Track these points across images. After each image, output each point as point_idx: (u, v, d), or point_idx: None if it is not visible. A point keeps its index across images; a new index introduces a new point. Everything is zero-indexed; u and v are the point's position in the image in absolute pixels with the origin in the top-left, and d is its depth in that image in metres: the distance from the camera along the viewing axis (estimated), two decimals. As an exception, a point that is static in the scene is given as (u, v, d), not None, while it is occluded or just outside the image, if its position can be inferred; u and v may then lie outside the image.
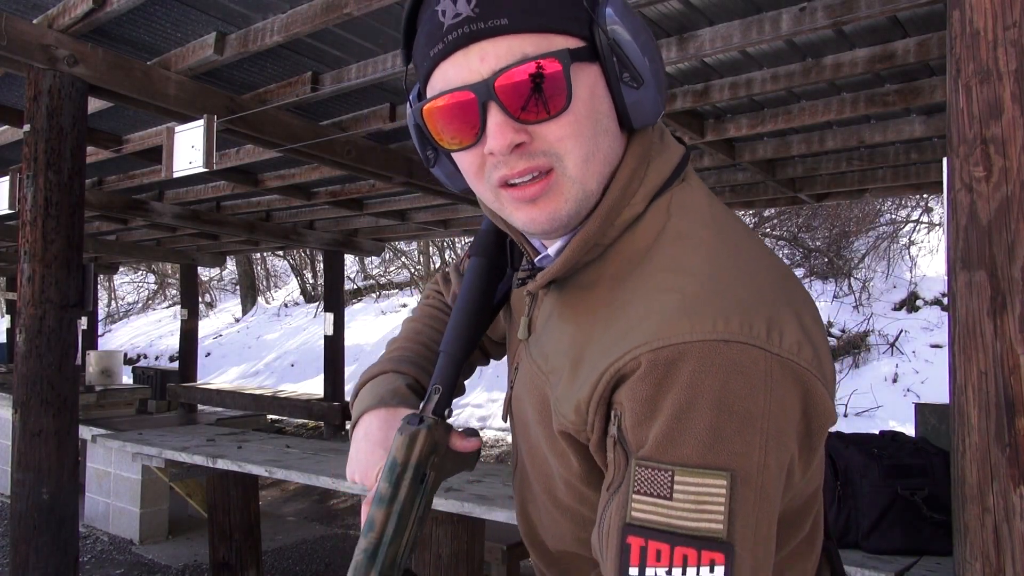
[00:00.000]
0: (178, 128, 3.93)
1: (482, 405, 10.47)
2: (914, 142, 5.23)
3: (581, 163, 0.69)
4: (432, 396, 0.81)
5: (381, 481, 0.75)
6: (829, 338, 10.01)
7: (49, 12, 3.43)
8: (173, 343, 16.04)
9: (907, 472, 2.08)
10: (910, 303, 10.31)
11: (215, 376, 14.86)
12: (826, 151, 5.36)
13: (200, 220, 8.07)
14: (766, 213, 12.46)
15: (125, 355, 14.40)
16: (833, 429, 1.03)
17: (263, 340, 16.38)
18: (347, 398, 10.04)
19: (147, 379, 11.20)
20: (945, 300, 9.33)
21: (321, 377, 10.56)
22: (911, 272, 10.76)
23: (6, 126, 5.07)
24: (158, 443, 3.83)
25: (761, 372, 0.60)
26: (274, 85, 4.26)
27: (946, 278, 1.50)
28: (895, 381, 8.90)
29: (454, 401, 0.84)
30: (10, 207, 4.66)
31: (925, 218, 11.40)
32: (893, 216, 11.67)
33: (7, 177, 4.72)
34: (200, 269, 14.16)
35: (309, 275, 18.78)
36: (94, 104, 4.10)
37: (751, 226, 12.29)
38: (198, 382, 11.71)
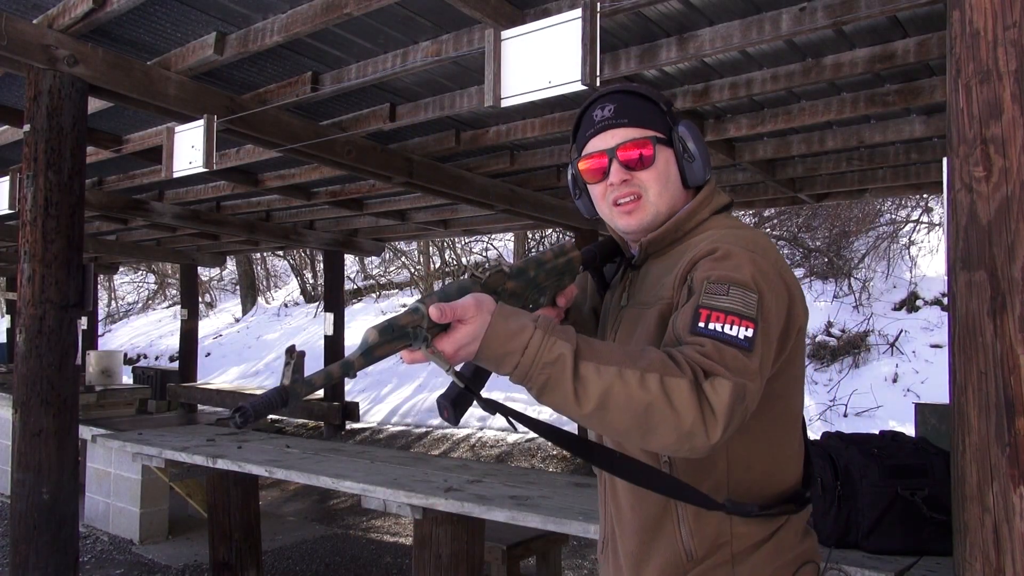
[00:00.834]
0: (178, 128, 3.93)
1: (482, 405, 10.47)
2: (914, 142, 5.23)
3: (656, 196, 1.29)
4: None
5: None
6: (829, 338, 10.09)
7: (49, 12, 3.43)
8: (173, 343, 16.04)
9: (907, 472, 2.07)
10: (910, 303, 10.31)
11: (215, 376, 14.85)
12: (826, 151, 5.36)
13: (200, 220, 8.08)
14: (766, 213, 12.46)
15: (125, 355, 14.40)
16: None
17: (263, 340, 16.38)
18: (347, 398, 10.07)
19: (147, 379, 11.20)
20: (945, 300, 9.32)
21: (321, 377, 10.55)
22: (911, 272, 10.76)
23: (6, 126, 5.07)
24: (158, 443, 3.83)
25: (769, 259, 1.17)
26: (274, 85, 4.26)
27: (946, 278, 1.50)
28: (895, 381, 8.90)
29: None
30: (10, 207, 4.66)
31: (925, 218, 11.40)
32: (893, 216, 11.67)
33: (7, 177, 4.72)
34: (200, 269, 14.17)
35: (309, 275, 18.78)
36: (94, 104, 4.10)
37: (751, 226, 12.28)
38: (198, 382, 11.71)
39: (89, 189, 6.80)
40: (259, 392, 10.72)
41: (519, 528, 3.22)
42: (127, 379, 11.61)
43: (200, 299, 15.60)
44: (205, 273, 19.30)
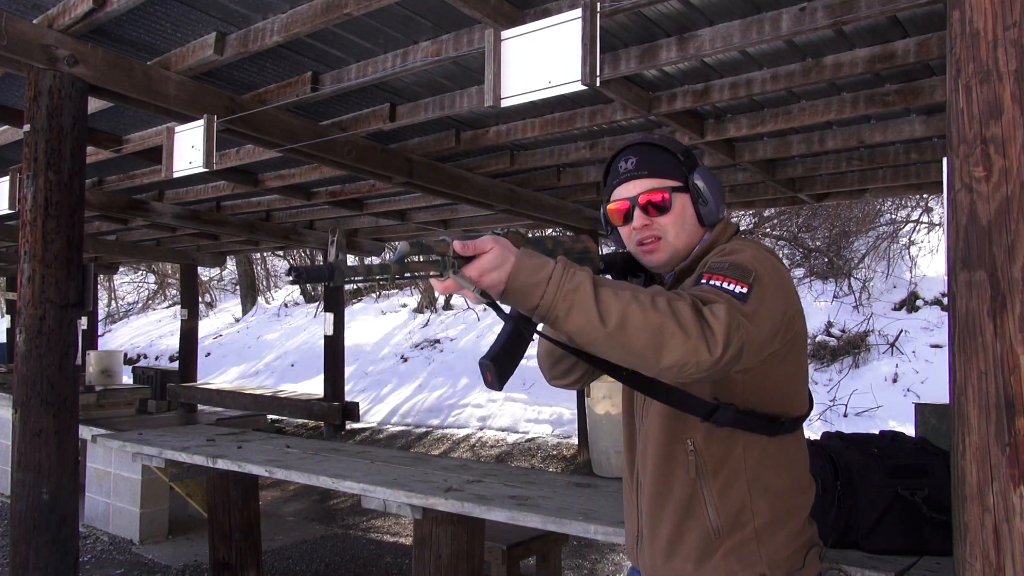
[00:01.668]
0: (178, 128, 3.93)
1: (482, 405, 10.47)
2: (914, 142, 5.23)
3: (674, 237, 1.48)
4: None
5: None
6: (829, 338, 10.11)
7: (49, 12, 3.43)
8: (173, 343, 16.03)
9: (907, 472, 2.07)
10: (910, 303, 10.31)
11: (215, 376, 14.85)
12: (826, 151, 5.36)
13: (200, 220, 8.08)
14: (766, 213, 12.46)
15: (125, 355, 14.40)
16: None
17: (263, 340, 16.38)
18: (347, 398, 10.08)
19: (147, 379, 11.20)
20: (945, 300, 9.32)
21: (321, 377, 10.56)
22: (911, 272, 10.76)
23: (6, 126, 5.07)
24: (158, 443, 3.82)
25: (768, 255, 1.37)
26: (274, 85, 4.26)
27: (946, 278, 1.51)
28: (895, 381, 8.90)
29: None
30: (10, 207, 4.66)
31: (925, 218, 11.40)
32: (893, 216, 11.66)
33: (7, 177, 4.72)
34: (200, 269, 14.16)
35: (309, 275, 18.74)
36: (94, 104, 4.10)
37: (751, 226, 12.32)
38: (198, 382, 11.71)
39: (89, 189, 6.80)
40: (259, 392, 10.68)
41: (519, 528, 3.22)
42: (127, 379, 11.61)
43: (200, 299, 15.59)
44: (205, 273, 19.30)
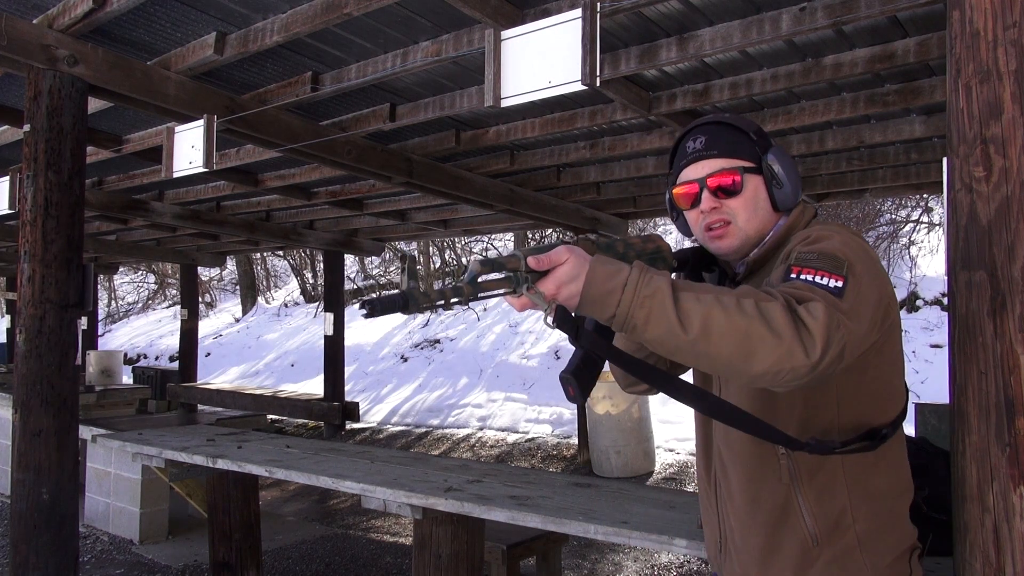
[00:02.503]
0: (178, 128, 3.93)
1: (482, 405, 10.47)
2: (914, 142, 5.23)
3: (745, 221, 1.37)
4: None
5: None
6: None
7: (49, 12, 3.43)
8: (173, 343, 16.04)
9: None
10: (910, 303, 10.32)
11: (215, 376, 14.85)
12: (826, 151, 5.36)
13: (200, 220, 8.07)
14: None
15: (125, 355, 14.40)
16: None
17: (263, 340, 16.37)
18: (347, 398, 10.08)
19: (147, 379, 11.20)
20: (945, 300, 9.32)
21: (321, 377, 10.56)
22: (911, 272, 10.76)
23: (6, 126, 5.07)
24: (158, 443, 3.82)
25: (857, 239, 1.26)
26: (274, 85, 4.26)
27: (946, 278, 1.50)
28: (895, 381, 8.90)
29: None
30: (10, 207, 4.66)
31: (925, 218, 11.40)
32: (893, 216, 11.66)
33: (7, 177, 4.72)
34: (200, 269, 14.16)
35: (309, 275, 18.78)
36: (94, 104, 4.10)
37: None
38: (198, 382, 11.71)
39: (89, 189, 6.80)
40: (259, 392, 10.68)
41: (519, 528, 3.22)
42: (127, 379, 11.61)
43: (200, 299, 15.59)
44: (205, 273, 19.30)
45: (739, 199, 1.36)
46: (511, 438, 9.10)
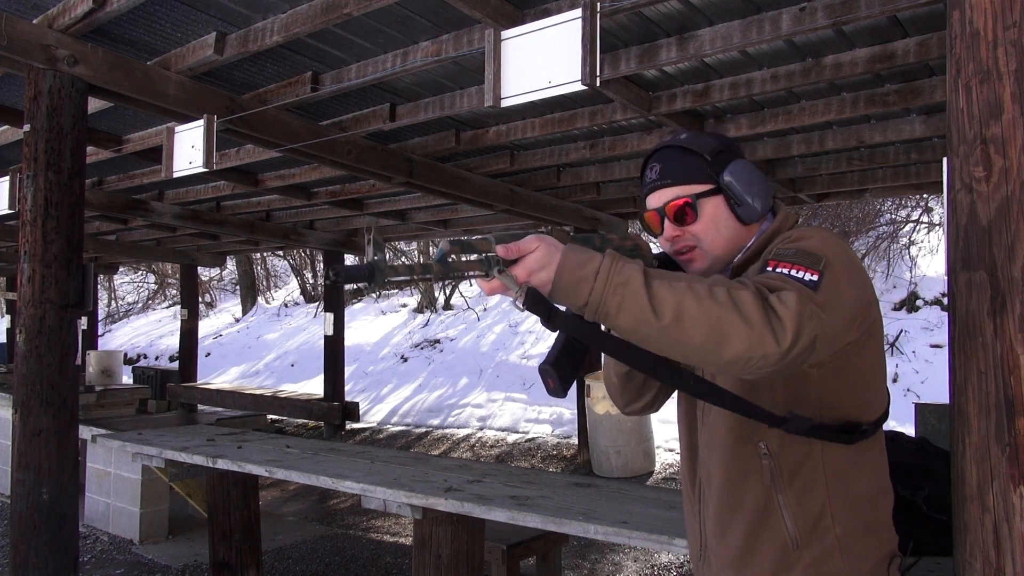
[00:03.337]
0: (178, 128, 3.93)
1: (482, 405, 10.47)
2: (914, 142, 5.23)
3: (709, 244, 1.37)
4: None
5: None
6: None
7: (49, 12, 3.43)
8: (173, 343, 16.04)
9: (907, 472, 2.07)
10: (910, 303, 10.31)
11: (215, 376, 14.85)
12: (826, 151, 5.36)
13: (200, 220, 8.07)
14: (766, 213, 12.44)
15: (125, 355, 14.40)
16: None
17: (263, 340, 16.37)
18: (347, 398, 10.08)
19: (147, 379, 11.20)
20: (945, 300, 9.32)
21: (321, 377, 10.56)
22: (911, 272, 10.76)
23: (6, 126, 5.07)
24: (158, 443, 3.82)
25: (838, 241, 1.26)
26: (274, 85, 4.26)
27: (946, 278, 1.50)
28: (895, 381, 8.89)
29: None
30: (10, 207, 4.66)
31: (925, 218, 11.39)
32: (893, 216, 11.66)
33: (7, 177, 4.72)
34: (200, 269, 14.16)
35: (309, 275, 18.78)
36: (94, 104, 4.10)
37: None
38: (198, 382, 11.71)
39: (89, 189, 6.80)
40: (259, 392, 10.67)
41: (519, 528, 3.21)
42: (127, 379, 11.61)
43: (200, 299, 15.59)
44: (205, 273, 19.29)
45: (698, 224, 1.37)
46: (511, 438, 9.10)
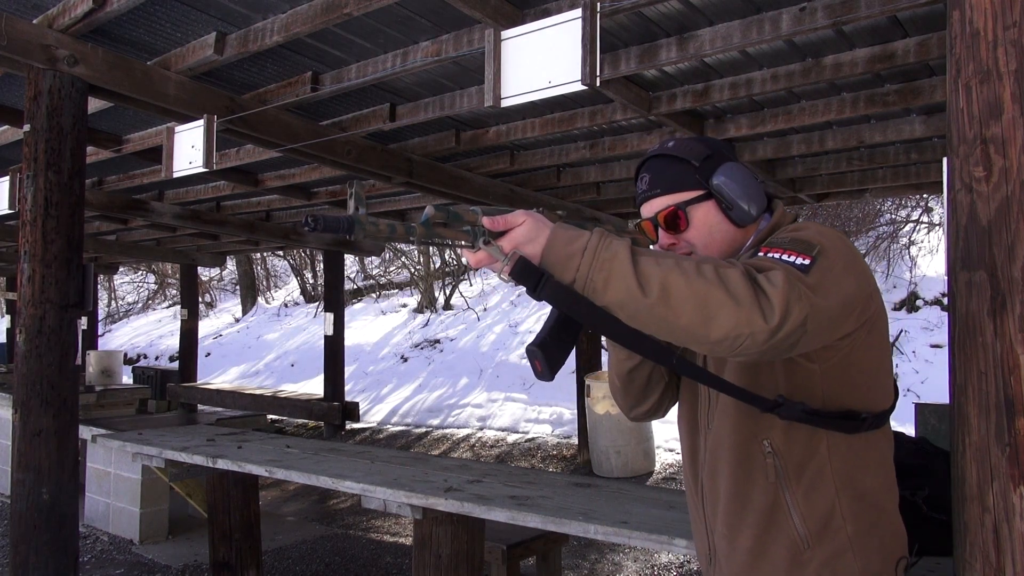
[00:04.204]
0: (178, 128, 3.93)
1: (482, 405, 10.47)
2: (914, 142, 5.23)
3: (704, 249, 1.38)
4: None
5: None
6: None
7: (49, 12, 3.43)
8: (173, 343, 16.04)
9: (907, 472, 2.06)
10: (910, 303, 10.31)
11: (215, 376, 14.85)
12: (826, 151, 5.36)
13: (200, 220, 8.07)
14: (766, 213, 12.45)
15: (125, 355, 14.40)
16: None
17: (263, 340, 16.38)
18: (347, 398, 10.08)
19: (147, 379, 11.20)
20: (945, 300, 9.32)
21: (321, 377, 10.56)
22: (911, 272, 10.76)
23: (6, 126, 5.07)
24: (158, 443, 3.82)
25: (836, 233, 1.26)
26: (274, 85, 4.26)
27: (946, 278, 1.50)
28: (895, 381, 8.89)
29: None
30: (10, 207, 4.66)
31: (925, 218, 11.40)
32: (893, 216, 11.67)
33: (7, 177, 4.72)
34: (200, 269, 14.16)
35: (309, 275, 18.78)
36: (94, 104, 4.10)
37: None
38: (198, 382, 11.71)
39: (89, 189, 6.80)
40: (259, 392, 10.65)
41: (519, 528, 3.21)
42: (127, 379, 11.61)
43: (200, 299, 15.59)
44: (205, 273, 19.29)
45: (691, 231, 1.38)
46: (511, 438, 9.10)
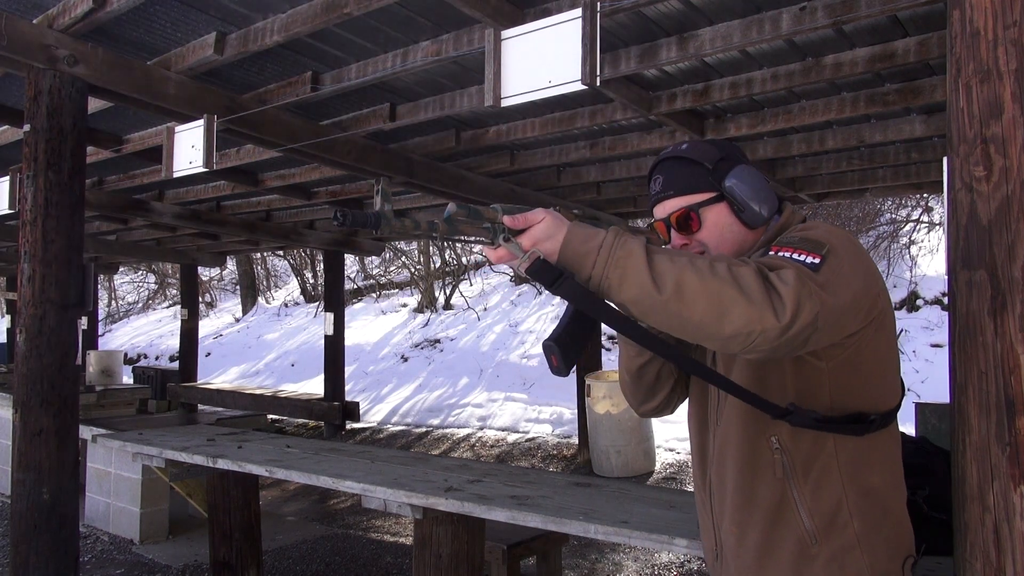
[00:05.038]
0: (178, 128, 3.93)
1: (482, 405, 10.47)
2: (914, 141, 5.23)
3: (715, 248, 1.40)
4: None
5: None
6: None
7: (49, 12, 3.43)
8: (173, 343, 16.04)
9: (908, 472, 2.06)
10: (910, 302, 10.32)
11: (215, 376, 14.85)
12: (826, 151, 5.36)
13: (200, 220, 8.07)
14: (766, 213, 12.46)
15: (125, 355, 14.40)
16: None
17: (263, 340, 16.38)
18: (347, 398, 10.07)
19: (147, 379, 11.20)
20: (945, 299, 9.32)
21: (321, 377, 10.56)
22: (911, 271, 10.76)
23: (6, 126, 5.07)
24: (158, 443, 3.82)
25: (845, 232, 1.27)
26: (274, 85, 4.26)
27: (946, 277, 1.50)
28: (895, 381, 8.90)
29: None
30: (10, 207, 4.66)
31: (925, 217, 11.40)
32: (893, 216, 11.67)
33: (7, 177, 4.72)
34: (200, 269, 14.16)
35: (309, 275, 18.78)
36: (94, 104, 4.10)
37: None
38: (198, 382, 11.71)
39: (89, 189, 6.79)
40: (259, 392, 10.66)
41: (519, 528, 3.21)
42: (127, 379, 11.61)
43: (200, 299, 15.59)
44: (205, 273, 19.29)
45: (704, 232, 1.41)
46: (511, 438, 9.10)
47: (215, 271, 20.14)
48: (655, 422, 7.55)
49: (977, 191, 1.34)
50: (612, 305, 1.16)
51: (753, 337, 1.07)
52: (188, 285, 11.87)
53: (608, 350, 10.29)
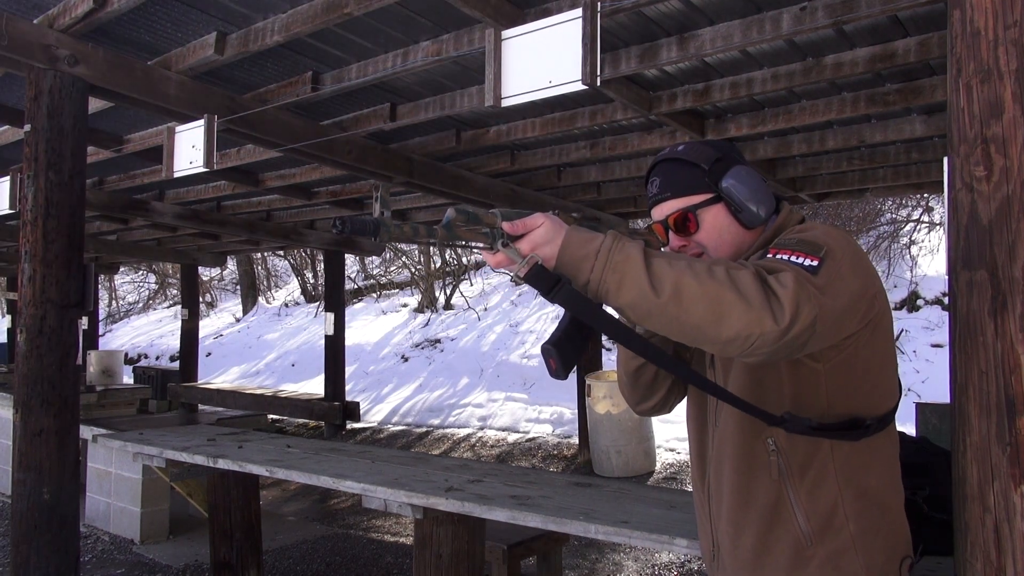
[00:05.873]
0: (178, 128, 3.93)
1: (483, 405, 10.47)
2: (915, 141, 5.23)
3: (714, 250, 1.40)
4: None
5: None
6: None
7: (49, 12, 3.43)
8: (174, 343, 16.04)
9: (908, 472, 2.06)
10: (911, 302, 10.31)
11: (216, 376, 14.85)
12: (827, 151, 5.36)
13: (200, 220, 8.07)
14: (766, 213, 12.46)
15: (126, 355, 14.40)
16: None
17: (264, 340, 16.38)
18: (348, 398, 10.08)
19: (148, 379, 11.20)
20: (946, 299, 9.32)
21: (322, 377, 10.56)
22: (912, 271, 10.76)
23: (6, 126, 5.07)
24: (159, 443, 3.82)
25: (843, 233, 1.28)
26: (274, 85, 4.26)
27: (947, 277, 1.50)
28: (896, 381, 8.90)
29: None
30: (11, 207, 4.67)
31: (926, 218, 11.39)
32: (894, 216, 11.66)
33: (8, 177, 4.72)
34: (201, 269, 14.16)
35: (310, 275, 18.78)
36: (94, 104, 4.10)
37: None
38: (199, 382, 11.71)
39: (89, 189, 6.80)
40: (259, 392, 10.66)
41: (520, 528, 3.21)
42: (128, 379, 11.61)
43: (201, 299, 15.60)
44: (206, 273, 19.30)
45: (701, 233, 1.41)
46: (511, 438, 9.10)
47: (215, 271, 20.14)
48: (656, 422, 7.55)
49: (977, 191, 1.34)
50: (610, 313, 1.16)
51: (752, 340, 1.07)
52: (188, 285, 11.87)
53: (608, 350, 10.29)
